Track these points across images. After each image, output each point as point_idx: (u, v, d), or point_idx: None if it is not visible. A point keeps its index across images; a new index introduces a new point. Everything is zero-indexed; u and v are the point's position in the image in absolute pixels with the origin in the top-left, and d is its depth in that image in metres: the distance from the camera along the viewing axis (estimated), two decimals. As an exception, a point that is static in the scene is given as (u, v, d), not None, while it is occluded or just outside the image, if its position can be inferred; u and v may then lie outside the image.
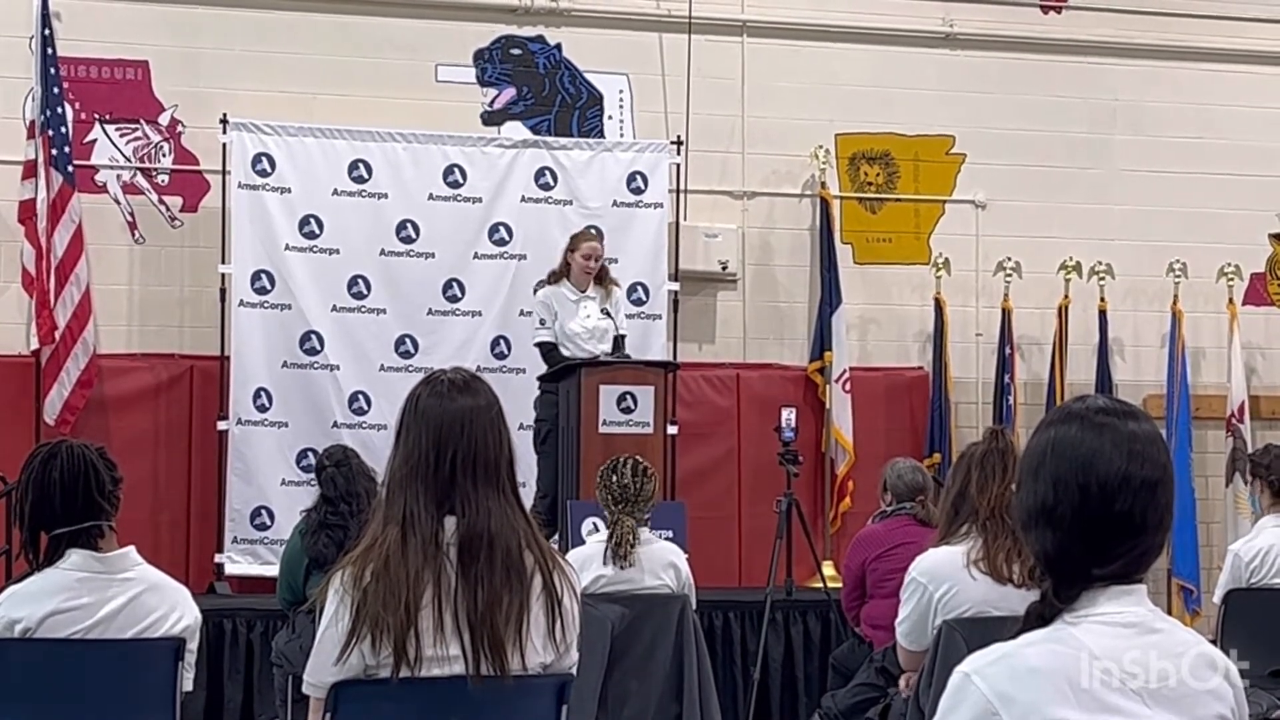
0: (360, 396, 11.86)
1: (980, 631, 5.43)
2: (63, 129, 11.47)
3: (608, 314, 11.00)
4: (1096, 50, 13.61)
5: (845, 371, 12.75)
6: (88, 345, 11.50)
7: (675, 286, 12.47)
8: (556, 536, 10.05)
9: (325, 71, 12.41)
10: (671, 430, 11.66)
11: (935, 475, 10.84)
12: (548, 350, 11.04)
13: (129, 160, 12.12)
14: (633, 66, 12.89)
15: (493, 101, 12.74)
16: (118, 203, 12.09)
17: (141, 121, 12.15)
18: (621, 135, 12.80)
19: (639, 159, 12.45)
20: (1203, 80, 13.78)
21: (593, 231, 11.41)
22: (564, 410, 10.68)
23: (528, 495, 9.43)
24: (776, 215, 13.14)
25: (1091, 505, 2.91)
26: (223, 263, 11.82)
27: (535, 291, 11.42)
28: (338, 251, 11.92)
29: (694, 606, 8.16)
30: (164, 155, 12.19)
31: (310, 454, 11.18)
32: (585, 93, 12.85)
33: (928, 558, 6.20)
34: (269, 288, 11.77)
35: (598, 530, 8.83)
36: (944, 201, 13.41)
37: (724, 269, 12.86)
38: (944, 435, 12.80)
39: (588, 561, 7.86)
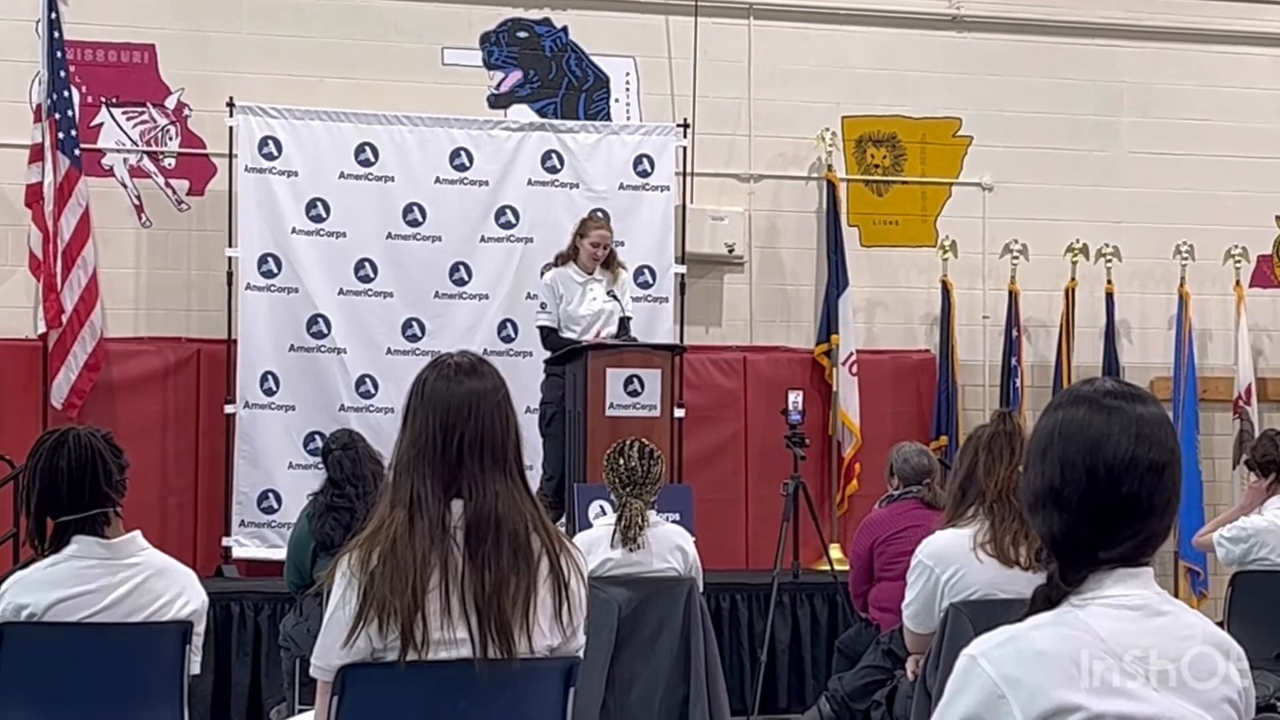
0: (367, 380, 11.88)
1: (987, 614, 5.42)
2: (69, 112, 11.47)
3: (614, 297, 11.00)
4: (1104, 32, 13.60)
5: (852, 354, 12.75)
6: (95, 329, 11.51)
7: (682, 269, 12.48)
8: (563, 519, 10.05)
9: (332, 55, 12.41)
10: (678, 413, 11.67)
11: (942, 458, 10.86)
12: (547, 334, 11.06)
13: (136, 144, 12.13)
14: (639, 49, 12.89)
15: (499, 84, 12.73)
16: (124, 186, 12.10)
17: (148, 105, 12.16)
18: (628, 118, 12.79)
19: (645, 142, 12.45)
20: (1210, 62, 13.76)
21: (600, 217, 11.39)
22: (570, 393, 10.68)
23: (534, 478, 9.45)
24: (783, 198, 13.14)
25: (1099, 488, 2.91)
26: (229, 246, 11.84)
27: (542, 274, 11.41)
28: (344, 235, 11.92)
29: (701, 589, 8.16)
30: (170, 139, 12.19)
31: (317, 437, 11.19)
32: (592, 75, 12.84)
33: (934, 540, 6.20)
34: (276, 271, 11.78)
35: (604, 513, 8.83)
36: (951, 184, 13.40)
37: (730, 252, 12.85)
38: (951, 418, 12.80)
39: (595, 544, 7.85)
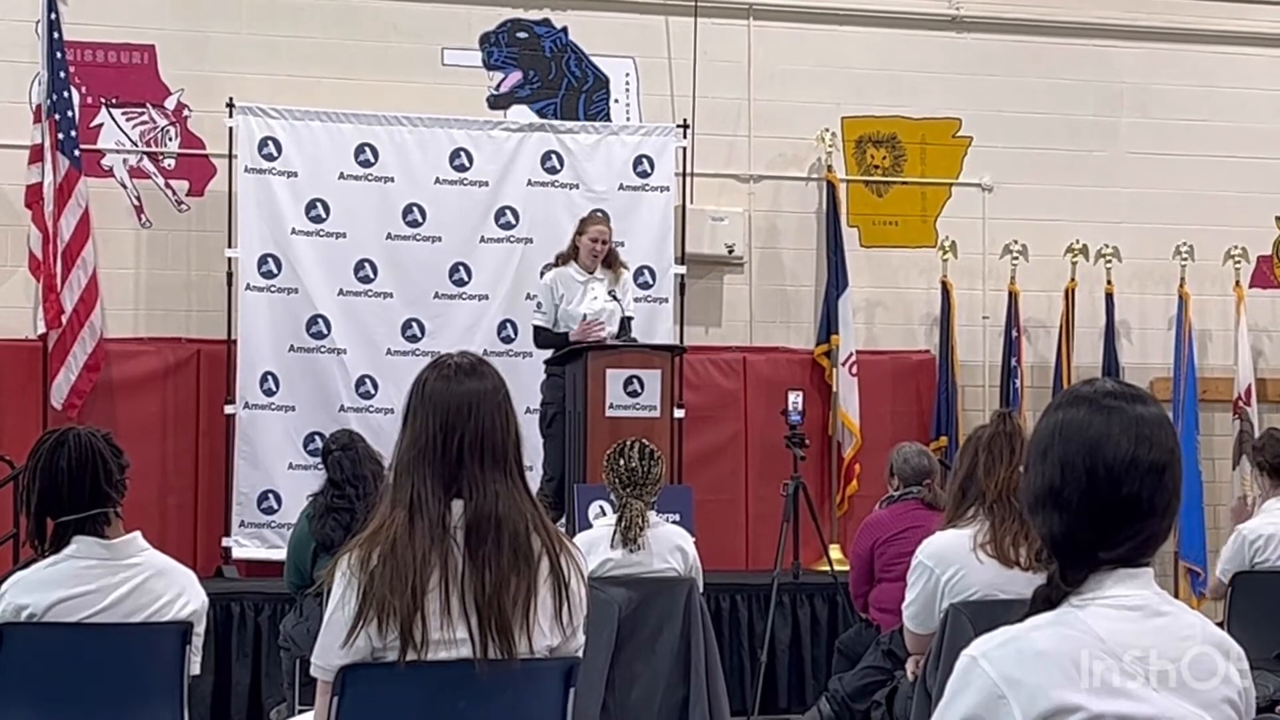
0: (367, 380, 11.88)
1: (987, 615, 5.42)
2: (69, 113, 11.48)
3: (615, 297, 11.01)
4: (1103, 33, 13.60)
5: (852, 355, 12.74)
6: (95, 329, 11.51)
7: (682, 270, 12.48)
8: (563, 520, 10.05)
9: (331, 55, 12.42)
10: (678, 413, 11.68)
11: (942, 459, 10.85)
12: (538, 333, 11.10)
13: (135, 144, 12.13)
14: (639, 50, 12.89)
15: (499, 85, 12.74)
16: (124, 187, 12.10)
17: (148, 105, 12.16)
18: (628, 119, 12.79)
19: (645, 142, 12.46)
20: (1209, 63, 13.77)
21: (599, 215, 11.43)
22: (570, 394, 10.69)
23: (534, 479, 9.45)
24: (783, 198, 13.14)
25: (1099, 489, 2.91)
26: (229, 247, 11.84)
27: (542, 275, 11.43)
28: (344, 235, 11.93)
29: (701, 589, 8.16)
30: (170, 139, 12.19)
31: (317, 438, 11.19)
32: (591, 76, 12.84)
33: (934, 541, 6.19)
34: (276, 271, 11.78)
35: (604, 514, 8.83)
36: (950, 184, 13.40)
37: (730, 252, 12.85)
38: (950, 418, 12.80)
39: (595, 545, 7.85)
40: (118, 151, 12.11)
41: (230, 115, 11.83)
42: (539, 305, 11.16)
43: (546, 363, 11.09)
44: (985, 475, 6.10)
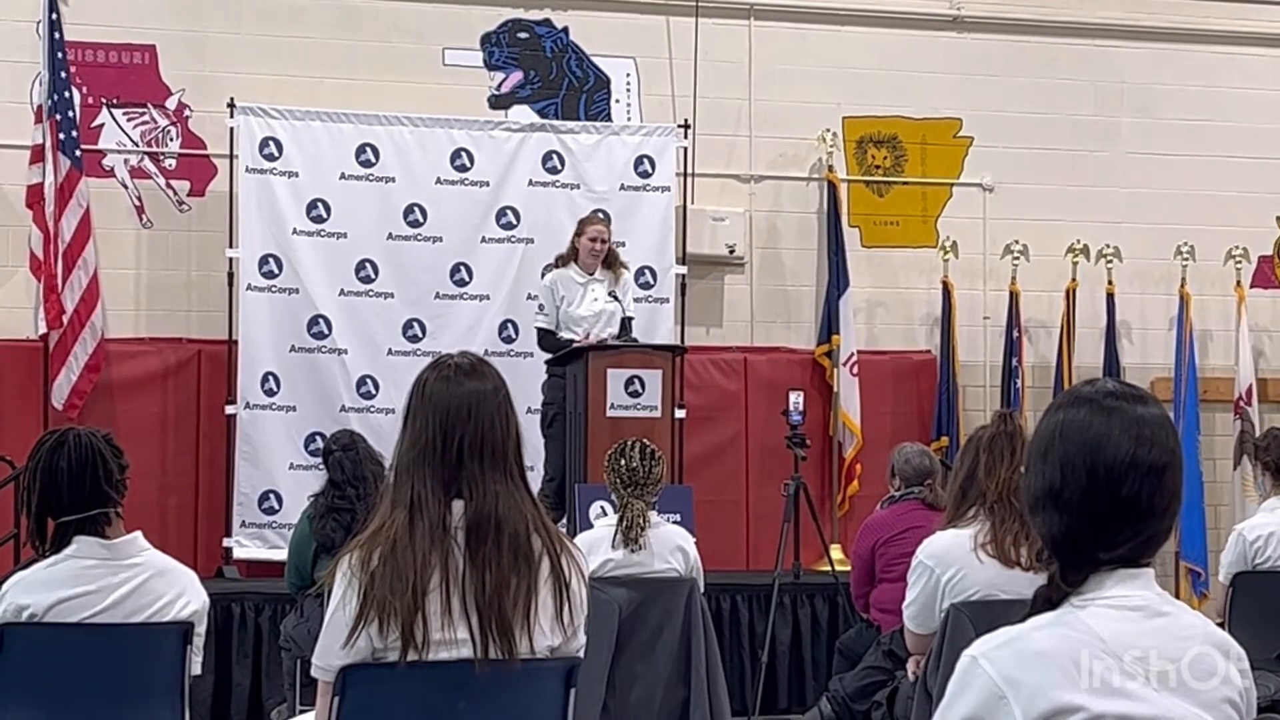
0: (368, 380, 11.88)
1: (988, 615, 5.42)
2: (70, 113, 11.47)
3: (615, 297, 11.01)
4: (1103, 33, 13.60)
5: (853, 355, 12.74)
6: (95, 330, 11.52)
7: (682, 270, 12.48)
8: (564, 520, 10.05)
9: (332, 55, 12.42)
10: (679, 414, 11.68)
11: (943, 459, 10.85)
12: (543, 335, 11.08)
13: (136, 144, 12.13)
14: (640, 50, 12.89)
15: (500, 85, 12.73)
16: (125, 187, 12.10)
17: (149, 106, 12.16)
18: (629, 119, 12.79)
19: (646, 143, 12.45)
20: (1210, 63, 13.76)
21: (599, 215, 11.44)
22: (571, 394, 10.68)
23: (535, 479, 9.44)
24: (784, 199, 13.14)
25: (1099, 489, 2.91)
26: (230, 247, 11.84)
27: (542, 275, 11.43)
28: (345, 235, 11.93)
29: (702, 590, 8.15)
30: (171, 139, 12.19)
31: (318, 438, 11.18)
32: (592, 76, 12.84)
33: (935, 541, 6.19)
34: (276, 272, 11.78)
35: (605, 514, 8.82)
36: (951, 185, 13.40)
37: (731, 252, 12.85)
38: (951, 419, 12.80)
39: (596, 545, 7.84)
40: (119, 152, 12.11)
41: (231, 115, 11.83)
42: (541, 307, 11.16)
43: (547, 363, 11.09)
44: (986, 475, 6.10)
